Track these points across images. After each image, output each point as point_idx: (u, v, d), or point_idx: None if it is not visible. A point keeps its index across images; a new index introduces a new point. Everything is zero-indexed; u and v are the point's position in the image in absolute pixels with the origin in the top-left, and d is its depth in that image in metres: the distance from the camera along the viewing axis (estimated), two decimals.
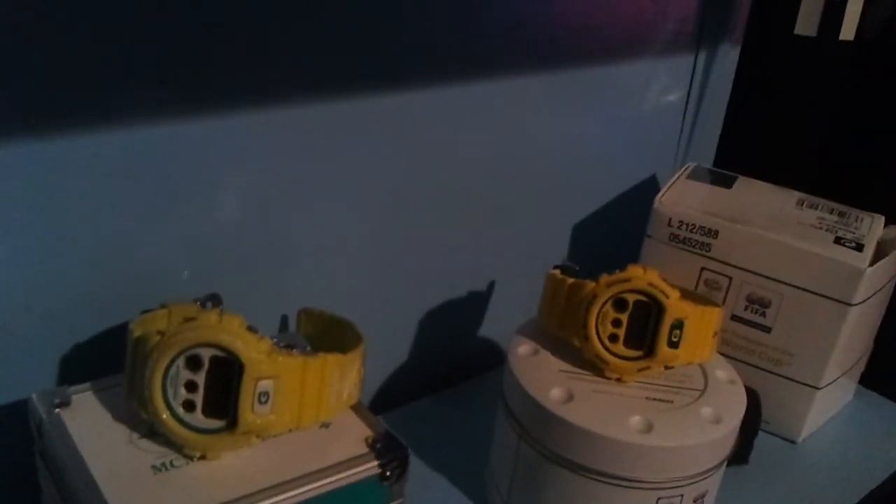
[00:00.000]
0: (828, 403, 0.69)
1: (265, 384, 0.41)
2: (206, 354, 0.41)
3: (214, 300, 0.53)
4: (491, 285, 0.73)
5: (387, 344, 0.68)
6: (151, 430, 0.43)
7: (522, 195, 0.71)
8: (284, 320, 0.60)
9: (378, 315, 0.66)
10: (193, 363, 0.41)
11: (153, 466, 0.42)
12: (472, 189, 0.67)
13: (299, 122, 0.55)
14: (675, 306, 0.52)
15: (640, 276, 0.53)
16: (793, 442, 0.68)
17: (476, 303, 0.73)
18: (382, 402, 0.69)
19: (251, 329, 0.42)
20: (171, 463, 0.43)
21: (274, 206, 0.56)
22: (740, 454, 0.62)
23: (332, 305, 0.55)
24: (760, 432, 0.65)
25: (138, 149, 0.49)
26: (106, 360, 0.48)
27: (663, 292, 0.52)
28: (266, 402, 0.42)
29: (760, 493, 0.63)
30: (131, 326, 0.44)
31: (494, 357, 0.74)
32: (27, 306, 0.48)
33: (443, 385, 0.71)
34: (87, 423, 0.44)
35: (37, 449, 0.46)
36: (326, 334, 0.53)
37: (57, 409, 0.45)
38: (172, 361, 0.41)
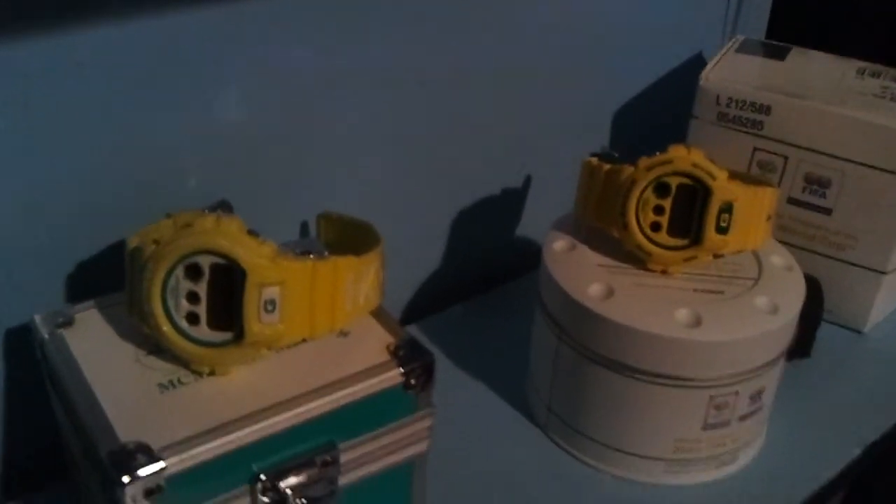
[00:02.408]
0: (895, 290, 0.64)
1: (270, 291, 0.38)
2: (205, 262, 0.38)
3: (225, 207, 0.50)
4: (527, 181, 0.68)
5: (417, 249, 0.65)
6: (158, 347, 0.41)
7: (558, 79, 0.66)
8: (304, 227, 0.57)
9: (406, 218, 0.62)
10: (193, 272, 0.38)
11: (160, 385, 0.40)
12: (502, 75, 0.62)
13: (308, 7, 0.51)
14: (723, 188, 0.47)
15: (684, 156, 0.48)
16: (858, 332, 0.64)
17: (512, 201, 0.69)
18: (416, 311, 0.66)
19: (252, 233, 0.39)
20: (178, 380, 0.40)
21: (283, 105, 0.53)
22: (801, 347, 0.58)
23: (356, 210, 0.51)
24: (823, 323, 0.61)
25: (133, 46, 0.46)
26: (111, 277, 0.45)
27: (709, 173, 0.47)
28: (273, 310, 0.38)
29: (825, 387, 0.59)
30: (128, 238, 0.41)
31: (533, 257, 0.70)
32: (26, 224, 0.46)
33: (479, 289, 0.67)
34: (91, 342, 0.42)
35: (44, 372, 0.43)
36: (346, 239, 0.50)
37: (59, 329, 0.42)
38: (170, 272, 0.38)
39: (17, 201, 0.45)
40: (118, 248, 0.48)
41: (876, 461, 0.56)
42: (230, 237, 0.38)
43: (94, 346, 0.42)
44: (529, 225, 0.70)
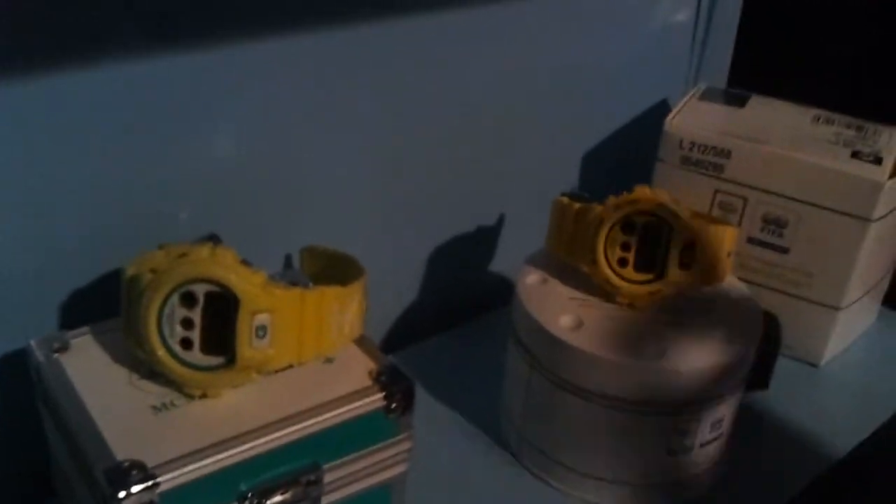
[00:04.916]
0: (850, 325, 0.67)
1: (262, 318, 0.40)
2: (200, 290, 0.40)
3: (214, 241, 0.53)
4: (501, 218, 0.71)
5: (396, 282, 0.67)
6: (152, 372, 0.43)
7: (529, 124, 0.69)
8: (288, 259, 0.59)
9: (386, 252, 0.64)
10: (188, 300, 0.40)
11: (153, 407, 0.42)
12: (476, 119, 0.65)
13: (296, 54, 0.54)
14: (686, 226, 0.51)
15: (649, 196, 0.51)
16: (815, 366, 0.67)
17: (486, 236, 0.71)
18: (394, 341, 0.68)
19: (245, 263, 0.41)
20: (171, 403, 0.42)
21: (272, 143, 0.55)
22: (760, 379, 0.60)
23: (337, 244, 0.53)
24: (781, 357, 0.63)
25: (131, 85, 0.48)
26: (106, 305, 0.47)
27: (673, 212, 0.51)
28: (264, 336, 0.41)
29: (782, 418, 0.61)
30: (125, 266, 0.43)
31: (507, 291, 0.72)
32: (23, 252, 0.48)
33: (455, 321, 0.70)
34: (87, 366, 0.44)
35: (38, 395, 0.45)
36: (329, 271, 0.52)
37: (55, 354, 0.44)
38: (166, 299, 0.40)
39: (15, 230, 0.47)
40: (112, 277, 0.51)
41: (838, 486, 0.58)
42: (225, 266, 0.40)
43: (89, 370, 0.43)
44: (503, 260, 0.73)
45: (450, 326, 0.69)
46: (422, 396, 0.60)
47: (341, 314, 0.44)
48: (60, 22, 0.44)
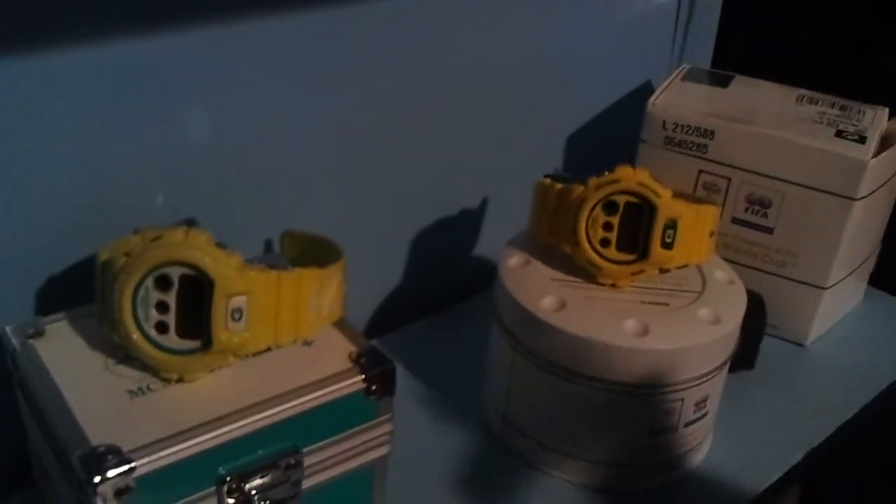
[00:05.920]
0: (836, 304, 0.67)
1: (238, 300, 0.40)
2: (175, 273, 0.40)
3: (190, 225, 0.52)
4: (484, 202, 0.71)
5: (379, 267, 0.66)
6: (128, 356, 0.42)
7: (512, 106, 0.68)
8: (268, 244, 0.58)
9: (368, 237, 0.64)
10: (163, 283, 0.40)
11: (130, 391, 0.41)
12: (458, 102, 0.65)
13: (272, 38, 0.53)
14: (668, 205, 0.50)
15: (630, 175, 0.51)
16: (801, 345, 0.66)
17: (469, 221, 0.71)
18: (378, 327, 0.67)
19: (219, 245, 0.41)
20: (148, 387, 0.41)
21: (250, 127, 0.54)
22: (746, 359, 0.60)
23: (319, 229, 0.53)
24: (767, 337, 0.64)
25: (106, 70, 0.47)
26: (82, 290, 0.47)
27: (654, 191, 0.50)
28: (240, 318, 0.40)
29: (768, 397, 0.61)
30: (99, 251, 0.42)
31: (491, 274, 0.72)
32: None
33: (439, 306, 0.69)
34: (62, 352, 0.43)
35: (15, 382, 0.45)
36: (309, 255, 0.52)
37: (30, 340, 0.44)
38: (141, 282, 0.40)
39: None
40: (88, 263, 0.50)
41: (824, 465, 0.58)
42: (199, 249, 0.40)
43: (64, 355, 0.43)
44: (486, 244, 0.73)
45: (433, 311, 0.69)
46: (406, 380, 0.60)
47: (319, 296, 0.44)
48: (35, 4, 0.43)
